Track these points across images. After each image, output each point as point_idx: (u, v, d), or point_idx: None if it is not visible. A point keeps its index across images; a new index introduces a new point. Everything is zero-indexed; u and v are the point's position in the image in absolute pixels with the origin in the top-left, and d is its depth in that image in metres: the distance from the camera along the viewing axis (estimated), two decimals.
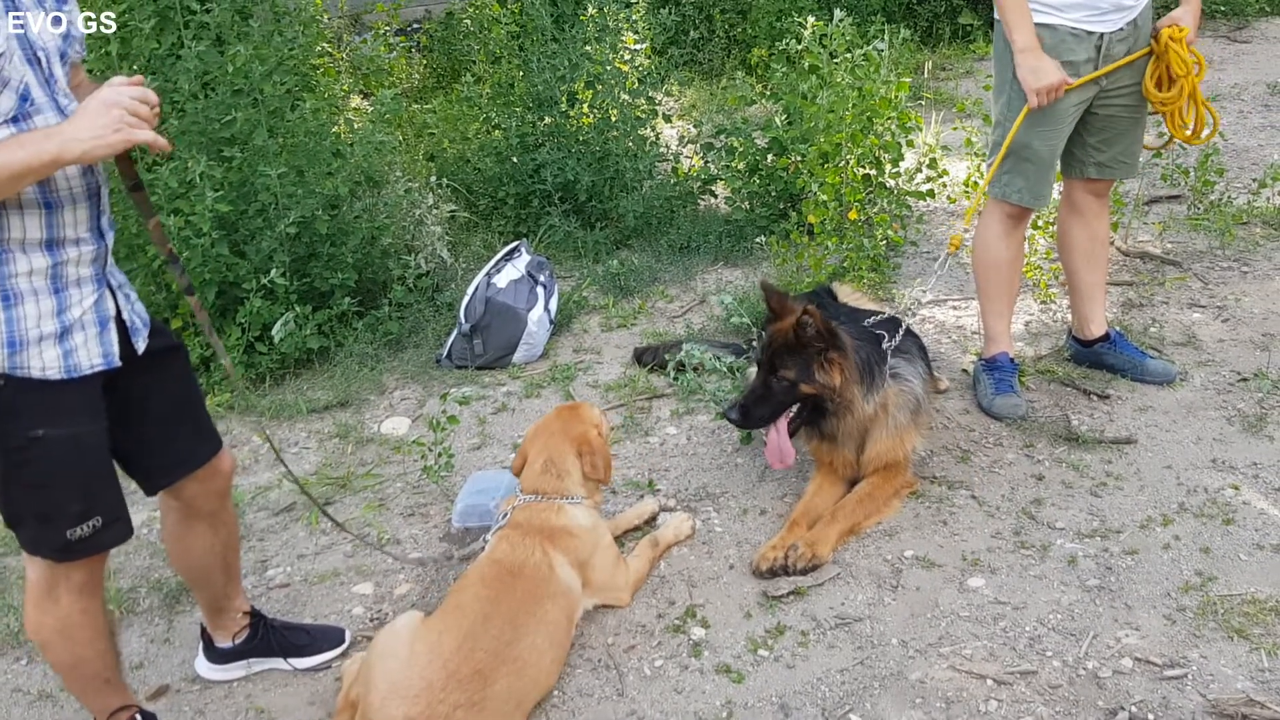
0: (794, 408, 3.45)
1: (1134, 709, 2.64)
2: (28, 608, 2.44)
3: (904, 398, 3.53)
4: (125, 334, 2.40)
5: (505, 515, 3.13)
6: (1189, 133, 3.92)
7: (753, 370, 4.07)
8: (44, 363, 2.21)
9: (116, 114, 2.06)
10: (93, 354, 2.28)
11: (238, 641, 2.95)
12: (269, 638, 2.97)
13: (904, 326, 3.66)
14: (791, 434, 3.46)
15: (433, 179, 5.82)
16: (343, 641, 3.07)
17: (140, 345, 2.44)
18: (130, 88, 2.11)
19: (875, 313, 3.77)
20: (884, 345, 3.54)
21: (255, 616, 2.99)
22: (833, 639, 2.98)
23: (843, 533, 3.39)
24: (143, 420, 2.49)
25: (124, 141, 2.08)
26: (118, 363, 2.35)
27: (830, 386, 3.38)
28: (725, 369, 4.23)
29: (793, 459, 3.45)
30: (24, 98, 2.10)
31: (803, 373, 3.38)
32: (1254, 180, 5.75)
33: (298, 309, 4.75)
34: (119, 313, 2.37)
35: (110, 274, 2.37)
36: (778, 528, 3.46)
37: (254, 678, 2.98)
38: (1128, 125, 3.87)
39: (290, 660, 2.97)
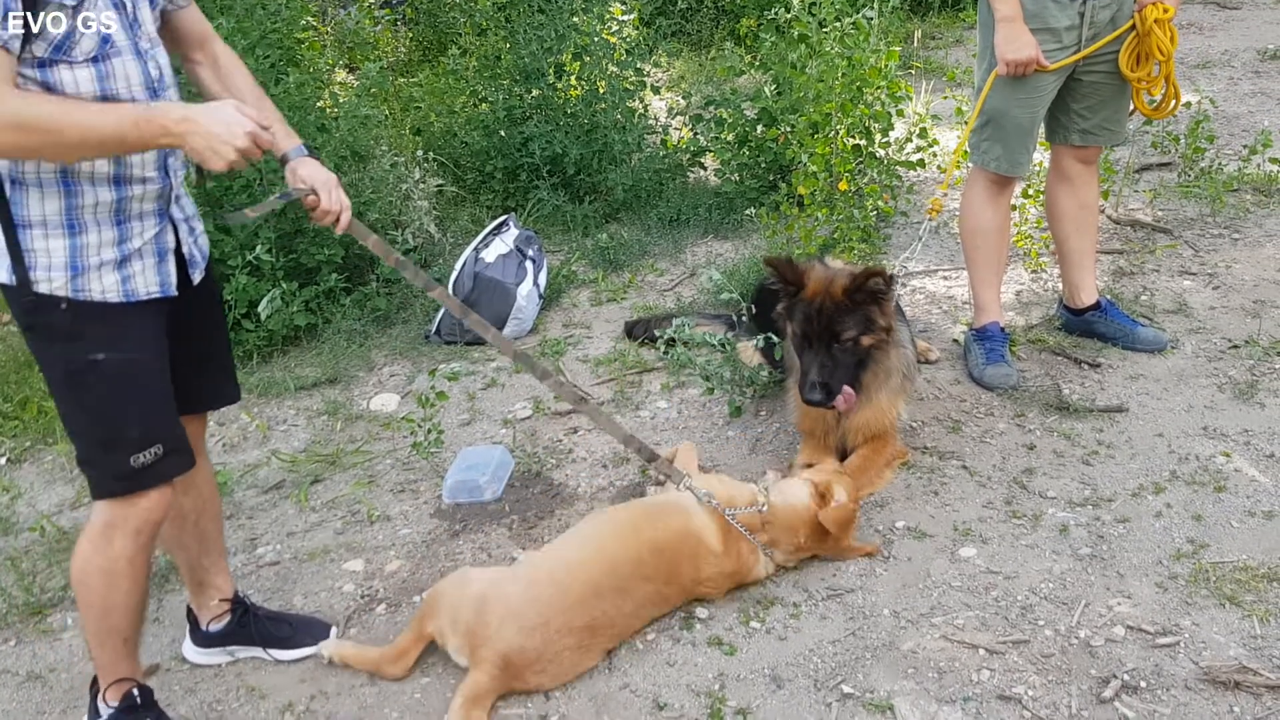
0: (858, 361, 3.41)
1: (1126, 677, 2.64)
2: (81, 546, 2.48)
3: (899, 360, 3.51)
4: (183, 266, 2.49)
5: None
6: (1154, 107, 3.88)
7: (746, 343, 4.06)
8: (104, 286, 2.29)
9: (245, 142, 2.21)
10: (149, 282, 2.37)
11: (214, 628, 2.93)
12: (250, 626, 2.94)
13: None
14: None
15: (419, 153, 5.78)
16: (327, 636, 3.02)
17: (196, 277, 2.55)
18: (260, 123, 2.26)
19: None
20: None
21: (237, 603, 2.95)
22: (824, 610, 2.97)
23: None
24: (186, 348, 2.54)
25: (234, 163, 2.20)
26: (174, 292, 2.44)
27: (889, 327, 3.39)
28: (716, 343, 4.21)
29: (854, 401, 3.41)
30: (105, 40, 2.17)
31: (864, 326, 3.35)
32: (1244, 147, 5.73)
33: (284, 286, 4.71)
34: (179, 245, 2.47)
35: (179, 208, 2.47)
36: None
37: (246, 658, 2.96)
38: (1112, 92, 3.84)
39: (271, 651, 2.94)
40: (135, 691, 2.61)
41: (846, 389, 3.36)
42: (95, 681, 2.63)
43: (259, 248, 4.61)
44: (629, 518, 3.01)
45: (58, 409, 2.44)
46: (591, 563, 2.83)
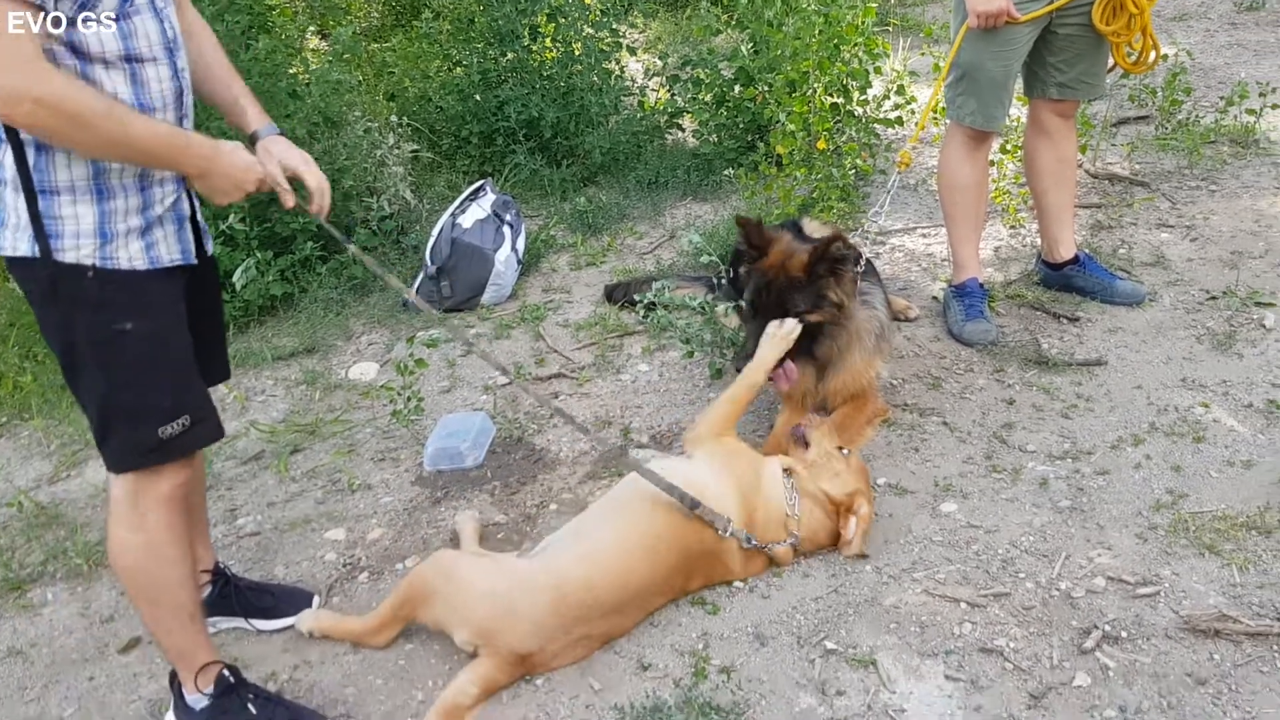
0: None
1: (1107, 627, 2.66)
2: (114, 531, 2.42)
3: (871, 323, 3.49)
4: (198, 235, 2.48)
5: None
6: (1133, 61, 3.86)
7: (722, 308, 4.04)
8: (130, 254, 2.26)
9: (253, 187, 2.35)
10: (171, 249, 2.35)
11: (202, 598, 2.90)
12: (231, 596, 2.92)
13: (864, 257, 3.62)
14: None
15: (394, 119, 5.71)
16: (310, 605, 3.01)
17: (209, 248, 2.57)
18: (268, 172, 2.39)
19: None
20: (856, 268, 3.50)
21: (218, 574, 2.93)
22: (807, 568, 2.98)
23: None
24: (191, 321, 2.49)
25: (234, 201, 2.36)
26: (194, 259, 2.43)
27: (840, 305, 3.34)
28: (697, 306, 4.19)
29: (795, 380, 3.39)
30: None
31: (814, 300, 3.31)
32: (1221, 99, 5.71)
33: (259, 255, 4.67)
34: (194, 214, 2.46)
35: None
36: None
37: (227, 629, 2.95)
38: (1089, 45, 3.80)
39: (253, 621, 2.93)
40: (227, 672, 2.57)
41: (788, 365, 3.33)
42: (174, 676, 2.58)
43: (232, 217, 4.56)
44: (661, 532, 2.80)
45: (75, 385, 2.36)
46: (618, 583, 2.72)
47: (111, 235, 2.22)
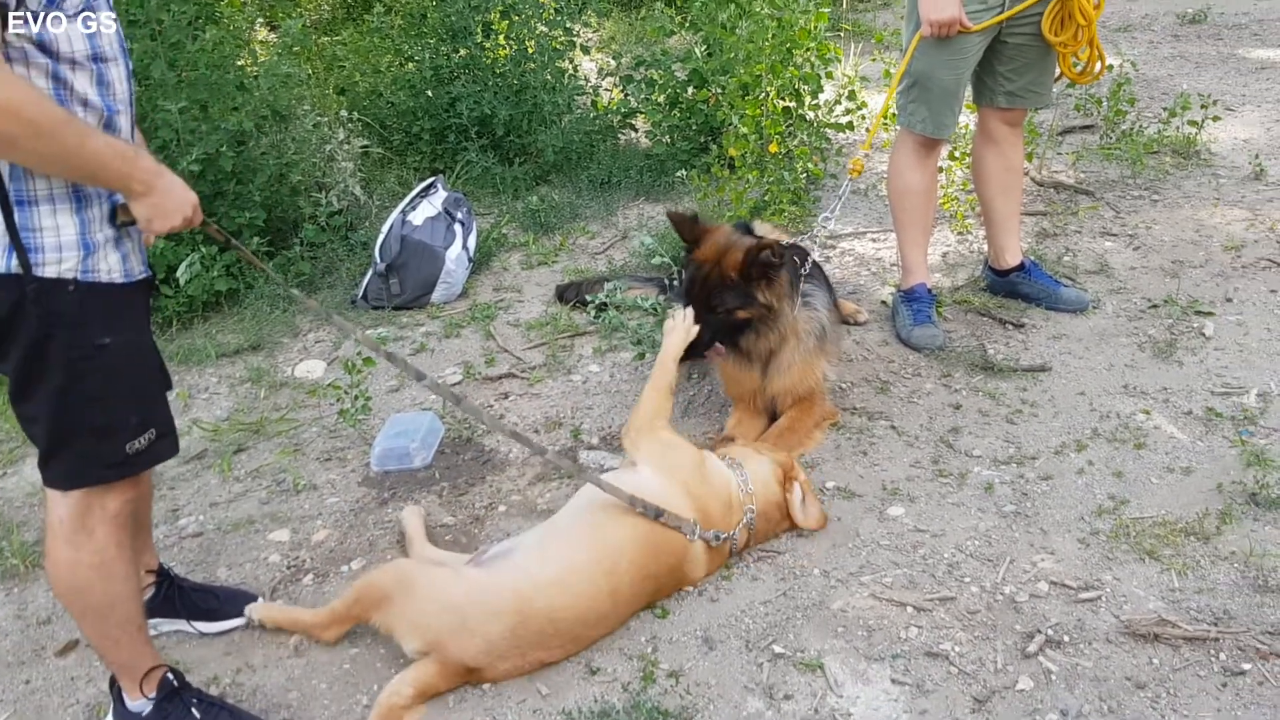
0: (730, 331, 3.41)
1: (1050, 631, 2.69)
2: (58, 551, 2.31)
3: (812, 324, 3.51)
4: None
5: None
6: (1079, 71, 3.93)
7: (675, 308, 4.04)
8: (109, 265, 2.19)
9: (189, 214, 2.24)
10: (139, 261, 2.29)
11: (144, 599, 2.83)
12: (174, 598, 2.86)
13: (810, 259, 3.64)
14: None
15: (343, 113, 5.63)
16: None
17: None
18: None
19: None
20: (800, 270, 3.53)
21: (161, 575, 2.87)
22: (755, 571, 2.99)
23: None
24: None
25: (170, 230, 2.23)
26: (149, 271, 2.36)
27: (769, 305, 3.36)
28: (648, 307, 4.19)
29: (724, 350, 3.43)
30: None
31: (743, 300, 3.33)
32: (1164, 110, 5.82)
33: (204, 249, 4.59)
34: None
35: None
36: None
37: (169, 631, 2.89)
38: (1037, 55, 3.86)
39: (195, 624, 2.87)
40: (170, 676, 2.51)
41: (716, 344, 3.39)
42: (114, 680, 2.51)
43: None
44: (627, 550, 2.75)
45: (27, 400, 2.21)
46: (583, 615, 2.68)
47: (93, 246, 2.14)
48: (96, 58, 2.09)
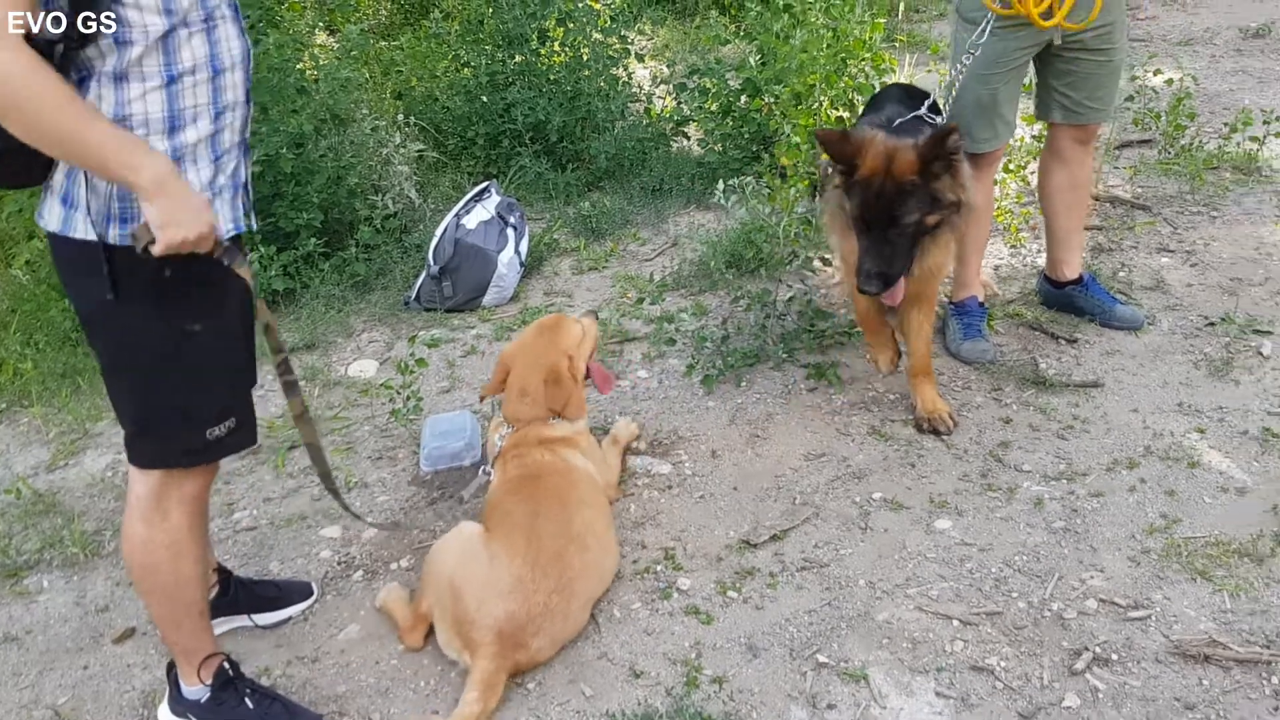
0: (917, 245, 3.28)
1: (1097, 649, 2.67)
2: (134, 527, 2.36)
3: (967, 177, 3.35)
4: (247, 206, 2.35)
5: (500, 440, 3.19)
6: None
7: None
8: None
9: (200, 233, 2.03)
10: (225, 217, 2.21)
11: (210, 597, 2.85)
12: (238, 594, 2.91)
13: (929, 103, 3.49)
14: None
15: (400, 117, 5.72)
16: (310, 595, 3.02)
17: (253, 223, 2.40)
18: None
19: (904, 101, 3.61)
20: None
21: (224, 573, 2.92)
22: (801, 580, 2.99)
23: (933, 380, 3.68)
24: None
25: (184, 245, 2.02)
26: (244, 227, 2.31)
27: (957, 199, 3.20)
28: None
29: (902, 293, 3.35)
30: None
31: (929, 204, 3.15)
32: (1225, 125, 5.74)
33: (262, 250, 4.67)
34: (247, 181, 2.34)
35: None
36: (748, 470, 3.47)
37: (225, 631, 2.94)
38: (1092, 69, 3.79)
39: (254, 617, 2.92)
40: (226, 665, 2.56)
41: (895, 290, 3.28)
42: (171, 667, 2.57)
43: None
44: (495, 487, 3.06)
45: (117, 382, 2.26)
46: (503, 520, 2.84)
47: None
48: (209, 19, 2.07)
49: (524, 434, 3.14)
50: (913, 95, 3.72)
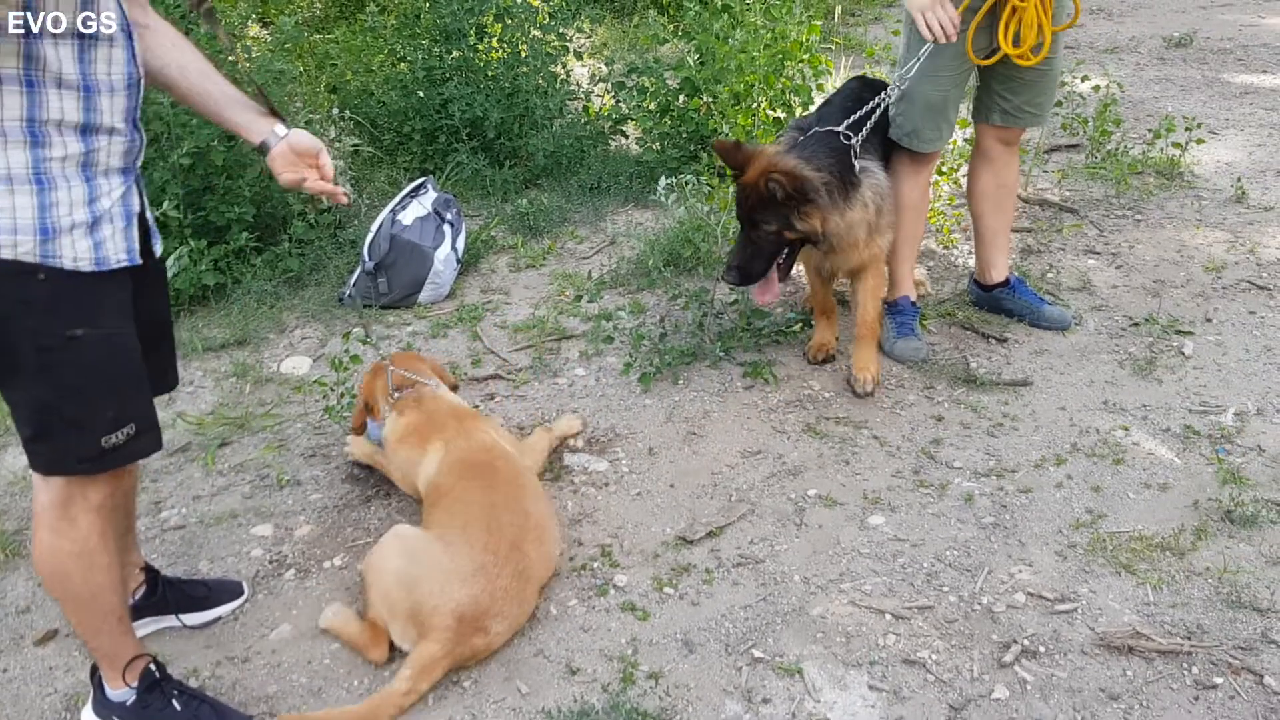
0: (784, 251, 3.64)
1: (1026, 642, 2.72)
2: (41, 535, 2.31)
3: (874, 192, 3.69)
4: (146, 234, 2.35)
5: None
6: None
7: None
8: (76, 253, 2.12)
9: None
10: (118, 248, 2.20)
11: (137, 598, 2.81)
12: (165, 594, 2.85)
13: (855, 140, 3.67)
14: (784, 276, 3.70)
15: (335, 112, 5.64)
16: (240, 594, 2.97)
17: (157, 249, 2.43)
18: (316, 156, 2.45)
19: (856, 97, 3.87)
20: (852, 148, 3.63)
21: (151, 572, 2.86)
22: (736, 576, 3.01)
23: (876, 344, 3.95)
24: (137, 328, 2.36)
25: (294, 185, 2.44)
26: (139, 260, 2.27)
27: (812, 231, 3.53)
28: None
29: (777, 297, 3.73)
30: None
31: (783, 222, 3.51)
32: (1149, 131, 5.90)
33: (192, 243, 4.58)
34: (142, 211, 2.32)
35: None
36: (684, 467, 3.48)
37: (152, 631, 2.88)
38: (1034, 76, 3.88)
39: (182, 617, 2.86)
40: (153, 666, 2.51)
41: (772, 288, 3.65)
42: (95, 669, 2.51)
43: (166, 204, 4.47)
44: (445, 465, 3.08)
45: (7, 387, 2.20)
46: (459, 507, 2.88)
47: (55, 230, 2.08)
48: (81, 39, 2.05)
49: (423, 398, 3.30)
50: (873, 88, 3.96)
